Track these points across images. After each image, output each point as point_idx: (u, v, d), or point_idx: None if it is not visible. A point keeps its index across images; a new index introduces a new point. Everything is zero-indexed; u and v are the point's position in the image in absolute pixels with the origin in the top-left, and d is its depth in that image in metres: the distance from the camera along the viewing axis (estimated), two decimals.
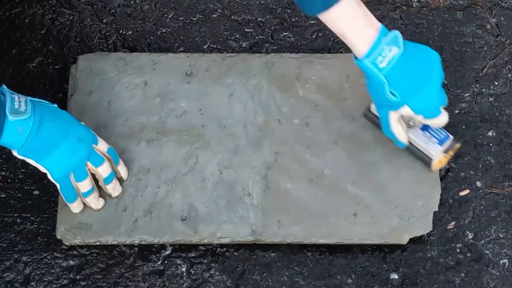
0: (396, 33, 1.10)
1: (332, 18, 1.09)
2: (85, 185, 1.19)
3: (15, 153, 1.14)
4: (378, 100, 1.16)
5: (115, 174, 1.22)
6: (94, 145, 1.18)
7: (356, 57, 1.12)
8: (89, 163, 1.18)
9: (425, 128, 1.22)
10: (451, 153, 1.22)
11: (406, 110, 1.14)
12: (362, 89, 1.28)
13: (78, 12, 1.40)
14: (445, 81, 1.34)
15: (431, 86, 1.13)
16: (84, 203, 1.22)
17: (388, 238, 1.21)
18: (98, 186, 1.22)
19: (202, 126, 1.27)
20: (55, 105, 1.18)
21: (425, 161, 1.23)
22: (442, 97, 1.15)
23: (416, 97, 1.12)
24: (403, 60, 1.10)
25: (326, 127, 1.27)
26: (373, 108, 1.23)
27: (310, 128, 1.26)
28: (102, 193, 1.23)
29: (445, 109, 1.17)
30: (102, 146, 1.20)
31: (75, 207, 1.22)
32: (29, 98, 1.13)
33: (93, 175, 1.21)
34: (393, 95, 1.12)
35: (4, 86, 1.12)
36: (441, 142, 1.22)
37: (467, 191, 1.28)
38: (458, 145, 1.23)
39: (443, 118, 1.17)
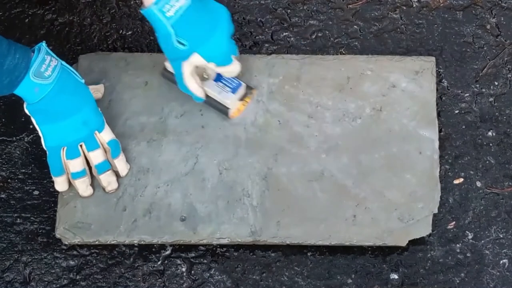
0: None
1: None
2: (75, 164, 1.20)
3: (24, 106, 1.17)
4: (169, 52, 1.18)
5: (111, 166, 1.23)
6: (96, 132, 1.20)
7: (142, 8, 1.13)
8: (83, 145, 1.20)
9: (218, 79, 1.25)
10: (247, 99, 1.27)
11: (197, 59, 1.16)
12: (363, 90, 1.29)
13: (78, 12, 1.40)
14: (445, 81, 1.34)
15: (218, 33, 1.15)
16: (70, 185, 1.23)
17: (388, 240, 1.21)
18: (93, 176, 1.23)
19: (202, 127, 1.27)
20: (83, 80, 1.20)
21: (223, 111, 1.26)
22: (232, 47, 1.19)
23: (204, 44, 1.15)
24: (190, 10, 1.12)
25: (326, 128, 1.27)
26: (169, 66, 1.26)
27: (310, 130, 1.26)
28: (103, 194, 1.23)
29: (238, 59, 1.21)
30: (105, 135, 1.22)
31: (59, 183, 1.23)
32: (62, 64, 1.17)
33: (90, 167, 1.22)
34: (181, 44, 1.14)
35: (43, 44, 1.16)
36: (234, 90, 1.25)
37: (461, 180, 1.28)
38: (254, 90, 1.27)
39: (234, 66, 1.20)
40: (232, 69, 1.20)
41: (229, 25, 1.17)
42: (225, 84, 1.25)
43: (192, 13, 1.12)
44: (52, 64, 1.14)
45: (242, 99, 1.26)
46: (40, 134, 1.19)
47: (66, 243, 1.23)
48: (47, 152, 1.20)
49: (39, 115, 1.17)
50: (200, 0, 1.14)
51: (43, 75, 1.13)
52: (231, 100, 1.24)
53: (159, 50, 1.35)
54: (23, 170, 1.29)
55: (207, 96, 1.24)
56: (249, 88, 1.27)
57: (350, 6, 1.40)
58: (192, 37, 1.14)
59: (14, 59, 1.10)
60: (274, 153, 1.26)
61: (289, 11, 1.40)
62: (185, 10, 1.12)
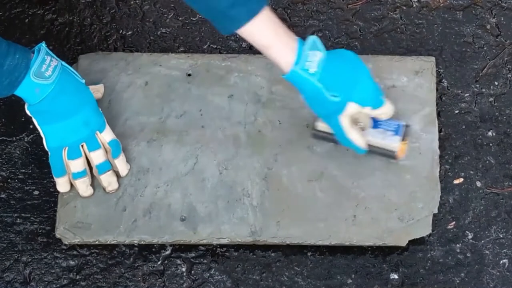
0: (314, 38, 1.10)
1: (257, 30, 1.08)
2: (76, 165, 1.20)
3: (26, 107, 1.17)
4: (322, 109, 1.15)
5: (111, 167, 1.23)
6: (97, 132, 1.20)
7: (283, 74, 1.11)
8: (84, 145, 1.20)
9: (376, 125, 1.21)
10: (407, 138, 1.22)
11: (353, 107, 1.13)
12: None
13: (78, 12, 1.40)
14: (445, 81, 1.34)
15: (363, 76, 1.13)
16: (71, 186, 1.23)
17: (388, 240, 1.21)
18: (94, 176, 1.23)
19: (202, 127, 1.27)
20: (83, 80, 1.20)
21: (388, 155, 1.22)
22: (378, 87, 1.16)
23: (355, 89, 1.12)
24: (328, 61, 1.11)
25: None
26: (319, 126, 1.22)
27: (310, 130, 1.26)
28: (103, 194, 1.24)
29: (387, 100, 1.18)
30: (106, 136, 1.22)
31: (60, 184, 1.23)
32: (63, 64, 1.17)
33: (91, 167, 1.22)
34: (334, 96, 1.11)
35: (43, 44, 1.16)
36: (397, 132, 1.20)
37: (461, 180, 1.28)
38: (409, 127, 1.23)
39: (389, 106, 1.17)
40: (387, 109, 1.17)
41: (365, 67, 1.14)
42: (386, 129, 1.20)
43: (331, 64, 1.10)
44: (53, 64, 1.15)
45: (403, 139, 1.21)
46: (42, 135, 1.19)
47: (66, 243, 1.23)
48: (49, 153, 1.20)
49: (40, 116, 1.17)
50: (330, 51, 1.12)
51: (43, 75, 1.13)
52: (397, 143, 1.20)
53: (159, 50, 1.36)
54: (23, 170, 1.29)
55: (369, 145, 1.20)
56: (407, 125, 1.22)
57: (350, 6, 1.40)
58: (342, 86, 1.11)
59: (14, 59, 1.10)
60: (274, 153, 1.26)
61: (289, 11, 1.40)
62: (324, 62, 1.10)
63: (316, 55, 1.09)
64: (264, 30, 1.08)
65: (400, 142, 1.20)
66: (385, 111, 1.17)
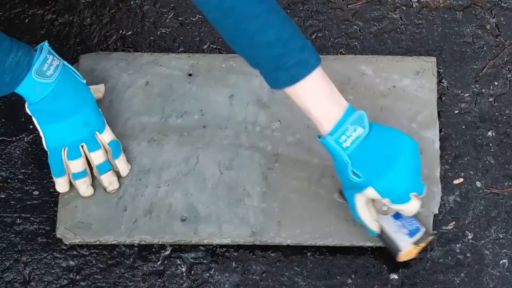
0: (362, 113, 1.07)
1: (298, 93, 1.06)
2: (76, 165, 1.20)
3: (26, 106, 1.17)
4: (344, 181, 1.12)
5: (112, 167, 1.23)
6: (97, 133, 1.20)
7: (319, 136, 1.09)
8: (84, 145, 1.20)
9: (397, 216, 1.17)
10: (422, 244, 1.18)
11: (371, 192, 1.09)
12: (363, 90, 1.29)
13: (78, 12, 1.39)
14: (445, 81, 1.34)
15: (397, 168, 1.07)
16: (71, 186, 1.23)
17: None
18: (94, 176, 1.23)
19: (203, 127, 1.27)
20: (84, 81, 1.20)
21: (393, 249, 1.18)
22: (413, 183, 1.10)
23: (380, 178, 1.08)
24: (368, 140, 1.07)
25: None
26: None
27: (310, 130, 1.26)
28: (103, 194, 1.23)
29: (420, 198, 1.12)
30: (106, 136, 1.21)
31: (60, 184, 1.23)
32: (64, 64, 1.17)
33: (91, 167, 1.23)
34: (356, 175, 1.08)
35: (46, 44, 1.16)
36: (411, 234, 1.17)
37: (461, 180, 1.28)
38: (430, 238, 1.18)
39: (412, 206, 1.11)
40: (409, 208, 1.11)
41: (412, 158, 1.09)
42: (403, 225, 1.17)
43: (370, 144, 1.07)
44: (54, 64, 1.15)
45: (417, 244, 1.17)
46: (41, 135, 1.19)
47: (67, 243, 1.23)
48: (48, 153, 1.20)
49: (40, 115, 1.17)
50: (382, 129, 1.09)
51: (45, 74, 1.13)
52: (405, 244, 1.16)
53: (159, 50, 1.36)
54: (23, 170, 1.29)
55: (382, 230, 1.16)
56: (428, 233, 1.18)
57: (350, 6, 1.40)
58: (368, 170, 1.07)
59: (16, 56, 1.10)
60: (275, 153, 1.26)
61: (289, 11, 1.40)
62: (362, 140, 1.07)
63: (356, 130, 1.06)
64: (309, 94, 1.06)
65: (411, 244, 1.17)
66: (405, 208, 1.11)
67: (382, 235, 1.17)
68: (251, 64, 1.07)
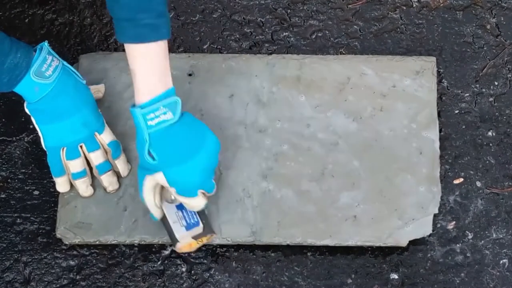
0: (177, 99, 1.08)
1: (135, 54, 1.06)
2: (75, 165, 1.20)
3: (25, 105, 1.17)
4: (140, 158, 1.13)
5: (111, 167, 1.23)
6: (96, 133, 1.20)
7: (133, 105, 1.09)
8: (83, 146, 1.20)
9: (181, 207, 1.18)
10: (204, 239, 1.18)
11: (160, 178, 1.11)
12: (363, 90, 1.29)
13: (78, 12, 1.39)
14: (445, 81, 1.34)
15: (193, 162, 1.10)
16: (71, 186, 1.23)
17: (388, 240, 1.21)
18: (94, 176, 1.23)
19: None
20: (84, 81, 1.20)
21: (172, 239, 1.18)
22: (203, 181, 1.13)
23: (172, 167, 1.10)
24: (174, 128, 1.09)
25: (326, 128, 1.27)
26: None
27: (310, 130, 1.26)
28: (103, 194, 1.23)
29: (207, 197, 1.15)
30: (106, 137, 1.21)
31: (60, 184, 1.23)
32: (64, 64, 1.17)
33: (91, 167, 1.22)
34: (151, 157, 1.10)
35: (45, 44, 1.16)
36: (188, 227, 1.17)
37: (461, 180, 1.28)
38: (211, 236, 1.19)
39: (196, 202, 1.14)
40: (193, 204, 1.14)
41: (210, 158, 1.13)
42: (184, 217, 1.17)
43: (174, 132, 1.09)
44: (54, 64, 1.15)
45: (196, 238, 1.17)
46: (40, 134, 1.19)
47: (67, 243, 1.23)
48: (47, 152, 1.20)
49: (38, 114, 1.17)
50: (192, 122, 1.12)
51: (43, 75, 1.13)
52: (181, 235, 1.16)
53: None
54: (23, 170, 1.29)
55: (163, 217, 1.18)
56: (209, 230, 1.19)
57: (350, 6, 1.40)
58: (164, 155, 1.10)
59: (15, 58, 1.10)
60: (274, 153, 1.26)
61: (289, 11, 1.40)
62: (169, 125, 1.08)
63: (166, 114, 1.07)
64: (146, 58, 1.07)
65: (189, 237, 1.17)
66: (189, 203, 1.14)
67: (165, 222, 1.18)
68: (109, 7, 1.07)
